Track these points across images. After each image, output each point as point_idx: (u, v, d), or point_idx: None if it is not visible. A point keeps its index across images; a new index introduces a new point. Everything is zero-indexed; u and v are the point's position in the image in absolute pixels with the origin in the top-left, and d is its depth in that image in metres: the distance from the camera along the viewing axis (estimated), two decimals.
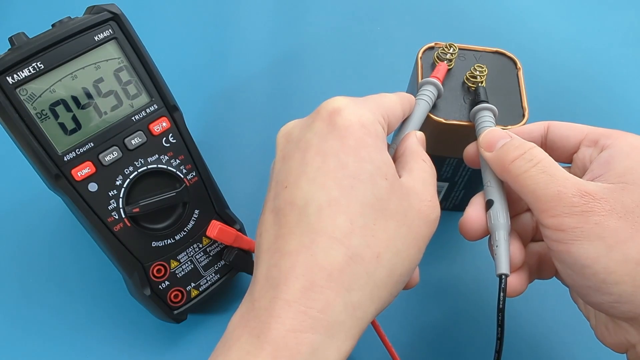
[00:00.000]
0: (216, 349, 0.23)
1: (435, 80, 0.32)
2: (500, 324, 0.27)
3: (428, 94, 0.31)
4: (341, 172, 0.23)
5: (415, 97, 0.31)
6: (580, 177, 0.25)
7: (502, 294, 0.27)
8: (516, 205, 0.29)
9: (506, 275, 0.27)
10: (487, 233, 0.28)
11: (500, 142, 0.27)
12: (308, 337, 0.21)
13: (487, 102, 0.31)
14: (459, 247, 0.41)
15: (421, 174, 0.26)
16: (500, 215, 0.27)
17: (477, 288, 0.39)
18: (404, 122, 0.30)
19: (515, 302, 0.37)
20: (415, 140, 0.28)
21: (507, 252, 0.27)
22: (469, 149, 0.31)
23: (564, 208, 0.24)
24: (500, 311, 0.27)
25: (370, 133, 0.24)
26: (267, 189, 0.26)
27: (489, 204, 0.28)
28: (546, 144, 0.29)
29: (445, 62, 0.34)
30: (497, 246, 0.27)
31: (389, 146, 0.29)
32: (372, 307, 0.23)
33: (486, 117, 0.30)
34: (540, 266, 0.30)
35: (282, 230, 0.23)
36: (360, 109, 0.25)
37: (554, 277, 0.30)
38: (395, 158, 0.28)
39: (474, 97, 0.32)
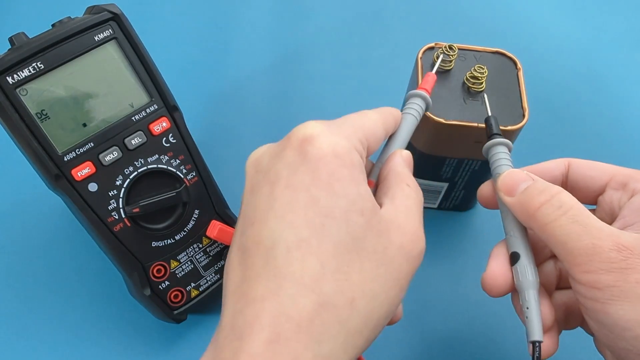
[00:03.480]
0: None
1: (423, 92, 0.30)
2: None
3: (416, 107, 0.29)
4: (312, 209, 0.21)
5: (402, 111, 0.29)
6: (609, 223, 0.24)
7: None
8: (538, 253, 0.27)
9: (539, 342, 0.24)
10: (513, 289, 0.26)
11: (521, 185, 0.25)
12: None
13: (500, 134, 0.29)
14: (459, 247, 0.41)
15: (404, 201, 0.24)
16: (528, 271, 0.25)
17: (477, 288, 0.39)
18: (390, 138, 0.28)
19: (505, 298, 0.38)
20: (400, 161, 0.26)
21: (539, 315, 0.25)
22: (484, 189, 0.28)
23: (600, 264, 0.21)
24: None
25: (345, 163, 0.22)
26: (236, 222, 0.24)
27: (514, 258, 0.26)
28: (567, 184, 0.27)
29: (445, 63, 0.34)
30: (527, 308, 0.25)
31: (373, 165, 0.28)
32: (345, 358, 0.21)
33: (502, 155, 0.28)
34: (567, 317, 0.27)
35: (248, 272, 0.21)
36: (334, 136, 0.23)
37: (579, 326, 0.28)
38: (378, 181, 0.26)
39: (486, 130, 0.30)
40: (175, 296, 0.34)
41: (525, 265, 0.25)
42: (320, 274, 0.21)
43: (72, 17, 0.30)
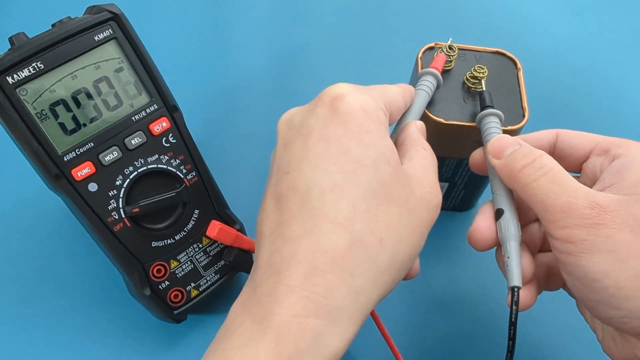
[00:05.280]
0: (217, 336, 0.22)
1: (434, 70, 0.32)
2: (512, 337, 0.26)
3: (428, 84, 0.31)
4: (344, 157, 0.23)
5: (414, 87, 0.31)
6: (590, 187, 0.25)
7: (514, 307, 0.26)
8: (524, 215, 0.29)
9: (518, 288, 0.26)
10: (497, 243, 0.28)
11: (508, 149, 0.27)
12: (311, 323, 0.21)
13: (493, 107, 0.31)
14: (459, 248, 0.41)
15: (421, 161, 0.26)
16: (511, 225, 0.27)
17: (477, 288, 0.39)
18: (404, 112, 0.30)
19: (504, 297, 0.37)
20: (415, 129, 0.28)
21: (518, 264, 0.26)
22: (475, 155, 0.30)
23: (574, 219, 0.23)
24: (513, 325, 0.26)
25: (373, 119, 0.24)
26: (267, 177, 0.25)
27: (498, 214, 0.28)
28: (555, 153, 0.29)
29: (445, 63, 0.34)
30: (508, 257, 0.26)
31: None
32: (375, 293, 0.23)
33: (492, 124, 0.30)
34: (548, 277, 0.29)
35: (284, 215, 0.23)
36: (363, 95, 0.25)
37: (561, 288, 0.29)
38: (395, 147, 0.28)
39: (480, 102, 0.32)
40: (175, 296, 0.34)
41: (508, 219, 0.27)
42: (352, 214, 0.22)
43: (72, 17, 0.30)
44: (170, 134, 0.33)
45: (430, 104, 0.33)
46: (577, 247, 0.23)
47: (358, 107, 0.24)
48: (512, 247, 0.26)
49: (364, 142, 0.23)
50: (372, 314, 0.33)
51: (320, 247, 0.22)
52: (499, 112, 0.30)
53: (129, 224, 0.32)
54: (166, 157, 0.33)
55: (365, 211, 0.22)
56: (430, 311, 0.38)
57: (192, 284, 0.35)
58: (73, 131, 0.30)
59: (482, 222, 0.28)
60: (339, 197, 0.22)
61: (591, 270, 0.23)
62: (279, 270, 0.22)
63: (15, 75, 0.28)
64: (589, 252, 0.23)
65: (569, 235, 0.23)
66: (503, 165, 0.27)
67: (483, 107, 0.31)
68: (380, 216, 0.23)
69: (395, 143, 0.28)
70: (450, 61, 0.34)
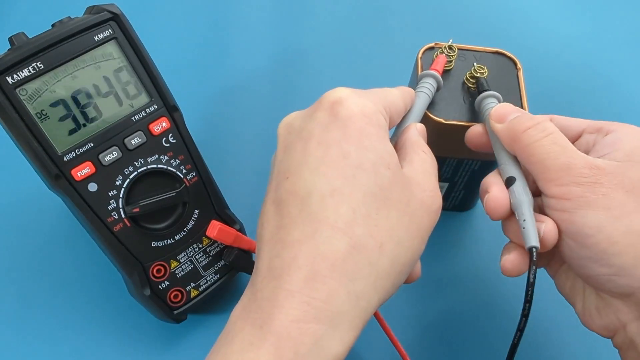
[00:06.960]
0: (218, 340, 0.23)
1: (434, 72, 0.32)
2: (529, 300, 0.26)
3: (428, 86, 0.31)
4: (343, 162, 0.23)
5: (414, 90, 0.31)
6: None
7: (533, 267, 0.26)
8: None
9: (536, 248, 0.26)
10: (510, 212, 0.28)
11: (512, 115, 0.28)
12: (311, 328, 0.21)
13: (490, 89, 0.31)
14: (459, 247, 0.41)
15: (422, 164, 0.26)
16: (523, 190, 0.27)
17: (477, 287, 0.39)
18: (404, 115, 0.30)
19: (504, 297, 0.37)
20: (415, 132, 0.28)
21: (534, 225, 0.26)
22: (473, 130, 0.31)
23: (573, 178, 0.24)
24: (531, 285, 0.26)
25: (372, 123, 0.24)
26: (268, 181, 0.26)
27: (509, 181, 0.28)
28: None
29: (445, 63, 0.34)
30: (524, 220, 0.27)
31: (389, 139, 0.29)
32: (375, 297, 0.23)
33: (493, 104, 0.30)
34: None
35: (284, 220, 0.23)
36: (363, 99, 0.25)
37: (543, 267, 0.30)
38: (395, 150, 0.28)
39: (477, 87, 0.32)
40: (175, 296, 0.34)
41: (521, 185, 0.27)
42: (352, 219, 0.22)
43: (72, 17, 0.30)
44: (170, 134, 0.33)
45: (429, 104, 0.33)
46: (573, 203, 0.24)
47: (358, 111, 0.24)
48: (526, 210, 0.27)
49: (363, 146, 0.23)
50: (375, 314, 0.33)
51: (320, 251, 0.22)
52: (497, 94, 0.31)
53: (129, 224, 0.32)
54: (166, 157, 0.33)
55: (365, 215, 0.22)
56: (429, 310, 0.38)
57: (192, 284, 0.35)
58: (73, 131, 0.30)
59: (496, 190, 0.28)
60: (339, 201, 0.22)
61: (585, 225, 0.24)
62: (279, 275, 0.22)
63: (15, 75, 0.28)
64: (583, 208, 0.24)
65: (565, 192, 0.24)
66: (506, 128, 0.27)
67: (481, 92, 0.31)
68: (380, 220, 0.23)
69: (395, 146, 0.28)
70: (450, 61, 0.34)
